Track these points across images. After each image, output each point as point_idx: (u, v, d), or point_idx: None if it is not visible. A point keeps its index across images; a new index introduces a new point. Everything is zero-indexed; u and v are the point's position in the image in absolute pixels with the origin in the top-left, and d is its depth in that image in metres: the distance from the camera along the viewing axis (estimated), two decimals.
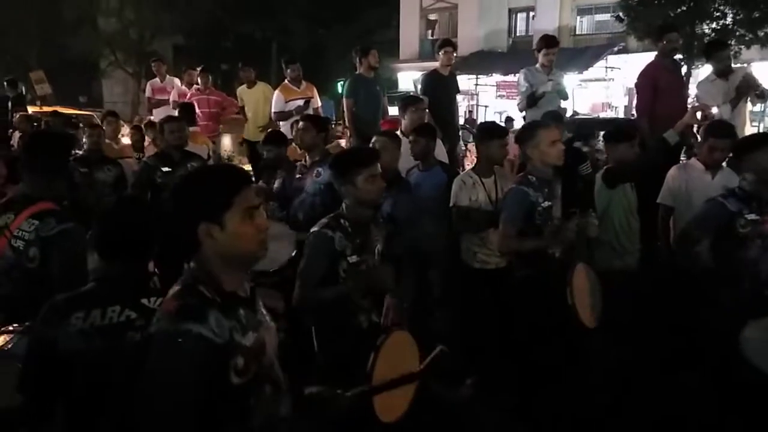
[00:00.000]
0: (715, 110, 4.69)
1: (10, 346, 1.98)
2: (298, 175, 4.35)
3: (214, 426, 1.49)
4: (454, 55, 5.92)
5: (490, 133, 3.90)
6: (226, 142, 9.67)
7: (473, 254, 3.84)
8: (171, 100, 8.12)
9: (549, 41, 5.52)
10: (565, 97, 5.69)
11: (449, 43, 5.97)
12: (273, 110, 7.04)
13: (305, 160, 4.44)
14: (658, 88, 5.08)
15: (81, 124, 6.93)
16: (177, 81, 8.44)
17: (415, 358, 2.49)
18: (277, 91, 7.10)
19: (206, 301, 1.49)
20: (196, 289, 1.51)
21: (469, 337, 3.77)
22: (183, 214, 1.57)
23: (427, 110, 4.82)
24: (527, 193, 3.19)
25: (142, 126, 7.41)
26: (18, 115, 8.21)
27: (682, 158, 5.18)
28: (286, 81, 7.13)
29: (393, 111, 6.27)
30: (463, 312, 3.97)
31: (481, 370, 3.69)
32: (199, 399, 1.43)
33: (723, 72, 4.94)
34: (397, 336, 2.47)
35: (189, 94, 7.90)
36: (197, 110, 7.35)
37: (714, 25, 15.55)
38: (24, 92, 10.21)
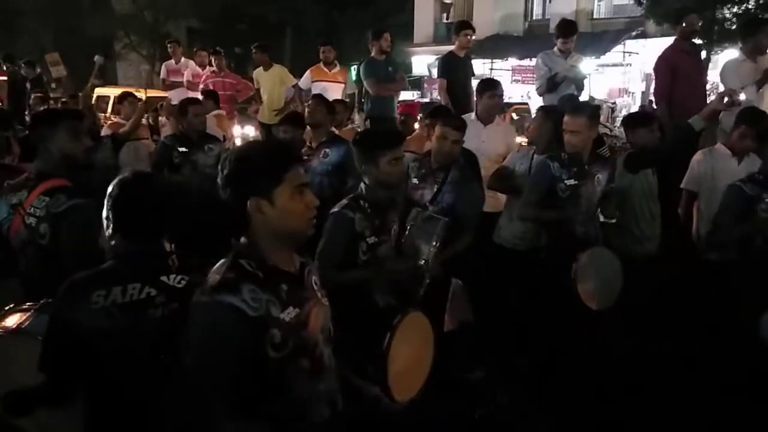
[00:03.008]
0: (742, 96, 4.59)
1: (27, 323, 1.99)
2: (304, 157, 4.35)
3: (252, 399, 1.52)
4: (473, 37, 5.85)
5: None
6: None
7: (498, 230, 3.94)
8: (185, 80, 8.13)
9: (566, 30, 5.36)
10: (581, 87, 5.56)
11: (468, 26, 5.90)
12: (299, 84, 7.18)
13: (311, 142, 4.43)
14: (677, 72, 4.99)
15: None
16: (192, 63, 8.45)
17: (429, 339, 2.50)
18: (308, 70, 7.18)
19: (244, 275, 1.53)
20: (237, 263, 1.56)
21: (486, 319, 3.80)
22: (234, 188, 1.60)
23: (501, 96, 4.67)
24: (550, 165, 3.38)
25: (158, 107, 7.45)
26: (34, 97, 8.25)
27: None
28: (320, 63, 7.16)
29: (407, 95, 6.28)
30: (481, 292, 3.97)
31: (497, 352, 3.72)
32: (234, 366, 1.47)
33: (759, 51, 4.77)
34: (413, 317, 2.47)
35: (204, 77, 7.89)
36: None
37: (736, 10, 15.24)
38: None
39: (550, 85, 5.25)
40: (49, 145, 2.49)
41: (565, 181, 3.34)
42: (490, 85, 4.59)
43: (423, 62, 22.05)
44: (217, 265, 1.58)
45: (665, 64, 5.09)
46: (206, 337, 1.48)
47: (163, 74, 8.80)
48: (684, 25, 5.10)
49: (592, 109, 3.47)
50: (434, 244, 2.76)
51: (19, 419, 1.90)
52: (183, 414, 1.49)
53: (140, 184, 1.87)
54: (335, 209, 2.54)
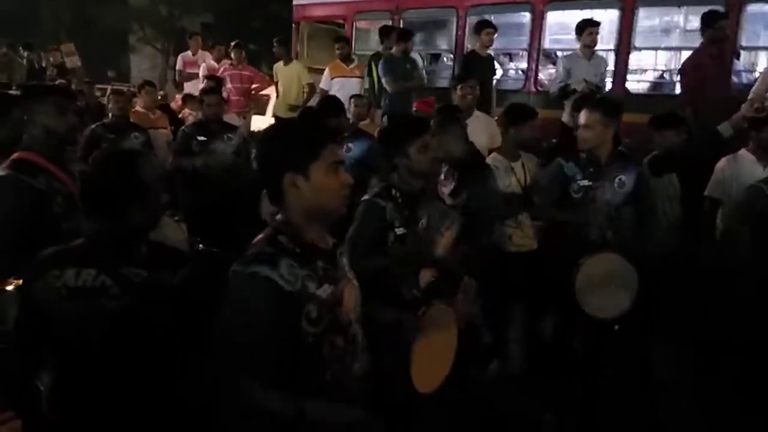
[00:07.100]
0: None
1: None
2: None
3: (288, 376, 1.50)
4: (495, 36, 5.82)
5: (522, 115, 3.76)
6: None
7: (508, 237, 3.78)
8: (201, 75, 8.14)
9: (590, 20, 5.35)
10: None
11: (490, 24, 5.87)
12: (320, 86, 7.07)
13: None
14: (705, 77, 4.92)
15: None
16: (208, 56, 8.46)
17: (453, 333, 2.47)
18: (327, 69, 7.06)
19: (281, 250, 1.53)
20: (275, 239, 1.56)
21: (500, 319, 3.75)
22: (270, 163, 1.60)
23: (477, 89, 4.64)
24: (563, 165, 3.31)
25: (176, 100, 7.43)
26: (58, 82, 8.29)
27: None
28: (337, 60, 7.07)
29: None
30: (494, 295, 3.93)
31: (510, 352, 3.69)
32: (265, 338, 1.46)
33: None
34: (438, 310, 2.44)
35: (222, 69, 7.90)
36: (230, 85, 7.37)
37: None
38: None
39: (561, 93, 5.20)
40: (35, 119, 2.43)
41: (579, 182, 3.22)
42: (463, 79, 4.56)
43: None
44: (256, 239, 1.59)
45: (693, 68, 5.02)
46: (238, 308, 1.48)
47: (179, 65, 8.82)
48: (714, 29, 5.02)
49: (610, 104, 3.29)
50: (422, 221, 2.72)
51: None
52: (211, 383, 1.47)
53: (102, 164, 1.78)
54: (367, 197, 2.52)
